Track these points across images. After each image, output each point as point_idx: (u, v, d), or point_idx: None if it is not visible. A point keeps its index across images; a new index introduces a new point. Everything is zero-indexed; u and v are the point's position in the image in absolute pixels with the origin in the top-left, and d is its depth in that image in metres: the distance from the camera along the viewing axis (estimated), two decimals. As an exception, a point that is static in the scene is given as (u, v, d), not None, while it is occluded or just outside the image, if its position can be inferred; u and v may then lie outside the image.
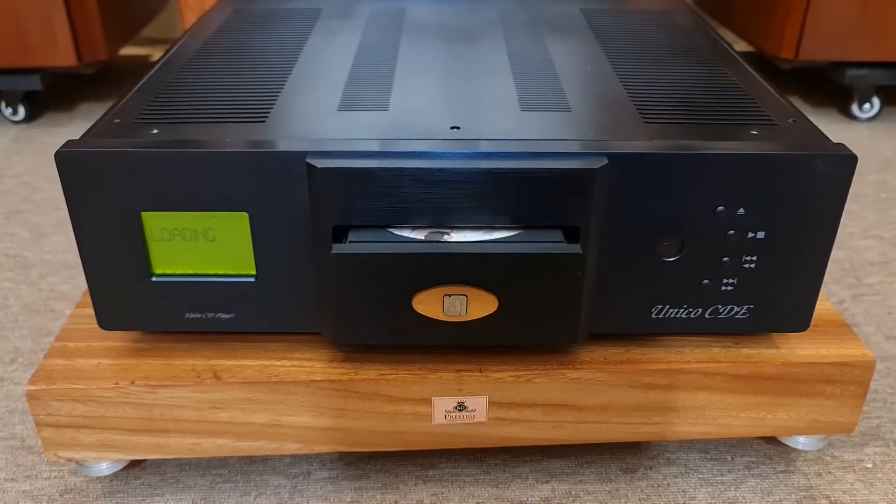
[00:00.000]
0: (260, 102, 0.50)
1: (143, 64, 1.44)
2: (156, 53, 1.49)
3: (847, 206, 0.97)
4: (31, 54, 1.11)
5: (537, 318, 0.47)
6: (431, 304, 0.46)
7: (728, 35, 1.49)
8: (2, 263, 0.84)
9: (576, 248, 0.45)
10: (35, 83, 1.15)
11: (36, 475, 0.57)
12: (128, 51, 1.48)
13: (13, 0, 1.07)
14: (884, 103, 1.25)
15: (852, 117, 1.24)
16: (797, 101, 1.30)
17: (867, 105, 1.22)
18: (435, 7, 0.73)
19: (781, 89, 0.52)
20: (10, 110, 1.19)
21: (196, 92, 0.52)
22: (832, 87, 1.35)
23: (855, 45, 1.14)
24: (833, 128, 1.21)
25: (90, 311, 0.55)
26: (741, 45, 1.48)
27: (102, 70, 1.34)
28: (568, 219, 0.44)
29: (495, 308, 0.46)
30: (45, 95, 1.29)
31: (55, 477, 0.57)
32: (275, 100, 0.51)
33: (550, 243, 0.45)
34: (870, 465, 0.58)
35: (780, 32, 1.16)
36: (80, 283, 0.80)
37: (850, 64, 1.18)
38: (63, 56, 1.11)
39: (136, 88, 0.53)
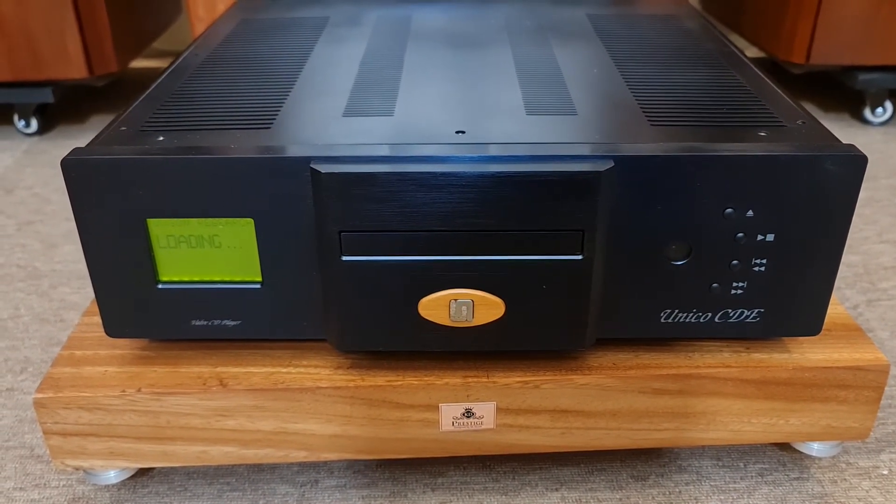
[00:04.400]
0: (265, 109, 0.50)
1: (153, 76, 1.45)
2: (166, 66, 1.51)
3: (861, 210, 0.96)
4: (43, 67, 1.12)
5: (544, 323, 0.47)
6: (437, 310, 0.46)
7: (738, 41, 1.48)
8: (13, 274, 0.84)
9: (581, 254, 0.44)
10: (47, 96, 1.16)
11: (45, 484, 0.57)
12: (139, 63, 1.50)
13: (25, 14, 1.08)
14: (897, 107, 1.24)
15: (865, 122, 1.23)
16: (809, 107, 1.29)
17: (880, 109, 1.21)
18: (442, 14, 0.73)
19: (793, 94, 0.51)
20: (22, 123, 1.20)
21: (202, 99, 0.52)
22: (844, 91, 1.34)
23: (866, 49, 1.14)
24: (846, 133, 1.20)
25: (98, 319, 0.55)
26: (752, 51, 1.47)
27: (114, 82, 1.35)
28: (574, 223, 0.44)
29: (502, 313, 0.46)
30: (57, 108, 1.30)
31: (63, 486, 0.57)
32: (280, 106, 0.51)
33: (556, 248, 0.44)
34: (886, 472, 0.57)
35: (790, 37, 1.15)
36: (90, 293, 0.80)
37: (862, 68, 1.17)
38: (74, 69, 1.12)
39: (142, 97, 0.53)
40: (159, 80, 0.56)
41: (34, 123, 1.20)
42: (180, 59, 0.61)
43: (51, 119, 1.26)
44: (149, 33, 1.31)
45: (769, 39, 1.21)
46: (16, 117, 1.20)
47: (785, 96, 0.52)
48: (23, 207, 0.99)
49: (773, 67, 1.38)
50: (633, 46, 0.63)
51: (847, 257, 0.86)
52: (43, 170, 1.10)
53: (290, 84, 0.55)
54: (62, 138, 1.21)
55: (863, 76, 1.17)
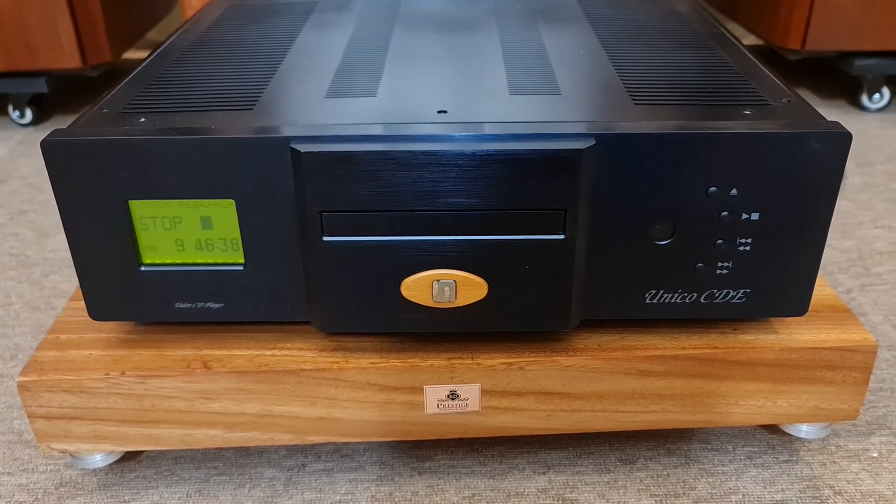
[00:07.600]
0: (248, 91, 0.50)
1: (149, 67, 1.45)
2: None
3: (856, 195, 0.96)
4: (37, 57, 1.12)
5: (527, 304, 0.46)
6: (420, 291, 0.46)
7: (736, 29, 1.48)
8: (5, 262, 0.84)
9: (564, 233, 0.44)
10: (41, 86, 1.16)
11: (32, 469, 0.57)
12: (133, 54, 1.49)
13: (19, 4, 1.08)
14: (894, 94, 1.23)
15: (862, 108, 1.22)
16: (806, 93, 1.28)
17: (877, 95, 1.20)
18: (431, -1, 0.73)
19: (787, 79, 0.51)
20: (17, 113, 1.20)
21: (185, 82, 0.52)
22: (842, 77, 1.33)
23: (863, 35, 1.13)
24: (843, 119, 1.19)
25: (83, 303, 0.55)
26: (749, 39, 1.47)
27: (107, 73, 1.35)
28: (556, 201, 0.43)
29: (485, 294, 0.46)
30: (51, 98, 1.30)
31: (51, 470, 0.57)
32: (264, 89, 0.50)
33: (538, 228, 0.44)
34: (875, 455, 0.57)
35: (786, 23, 1.15)
36: (81, 280, 0.80)
37: (859, 54, 1.16)
38: (68, 59, 1.12)
39: (125, 80, 0.53)
40: (143, 64, 0.56)
41: (28, 114, 1.20)
42: (166, 44, 0.60)
43: (45, 109, 1.26)
44: (143, 23, 1.31)
45: (765, 26, 1.21)
46: (10, 108, 1.20)
47: (772, 76, 0.52)
48: (16, 197, 0.99)
49: (769, 54, 1.38)
50: (622, 29, 0.62)
51: (841, 242, 0.86)
52: (37, 160, 1.10)
53: (275, 67, 0.54)
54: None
55: (859, 62, 1.16)
